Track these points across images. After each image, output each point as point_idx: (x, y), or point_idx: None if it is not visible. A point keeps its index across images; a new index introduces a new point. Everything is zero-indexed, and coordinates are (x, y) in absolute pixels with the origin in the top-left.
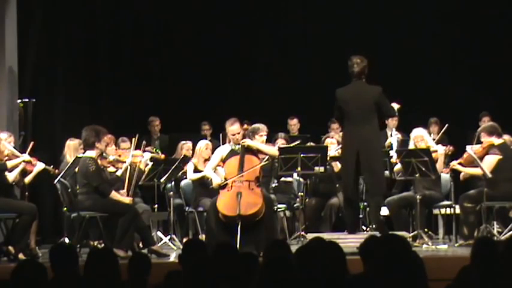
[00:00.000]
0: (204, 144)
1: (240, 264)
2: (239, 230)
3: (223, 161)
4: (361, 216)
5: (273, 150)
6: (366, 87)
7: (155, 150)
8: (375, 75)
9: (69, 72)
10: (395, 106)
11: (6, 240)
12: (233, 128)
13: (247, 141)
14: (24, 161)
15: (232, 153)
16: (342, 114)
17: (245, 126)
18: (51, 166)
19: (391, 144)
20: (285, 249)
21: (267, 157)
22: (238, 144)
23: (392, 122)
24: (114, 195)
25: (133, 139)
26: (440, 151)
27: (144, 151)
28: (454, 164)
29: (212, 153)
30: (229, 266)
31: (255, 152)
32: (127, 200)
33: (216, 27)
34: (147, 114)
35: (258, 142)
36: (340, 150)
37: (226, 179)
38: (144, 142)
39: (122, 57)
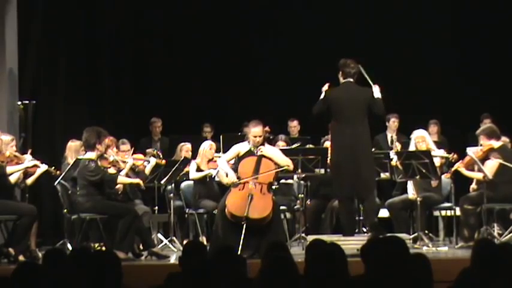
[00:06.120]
0: (208, 145)
1: (240, 267)
2: (243, 233)
3: (240, 159)
4: (361, 218)
5: (287, 162)
6: (359, 88)
7: (156, 153)
8: (375, 76)
9: (69, 74)
10: (377, 89)
11: (6, 242)
12: (255, 130)
13: (264, 151)
14: (27, 167)
15: (249, 153)
16: (330, 114)
17: (266, 128)
18: (53, 167)
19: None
20: (284, 251)
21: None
22: (258, 146)
23: (394, 124)
24: (121, 180)
25: (132, 149)
26: (438, 156)
27: (144, 154)
28: (459, 165)
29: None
30: (229, 269)
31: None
32: (136, 180)
33: (217, 28)
34: (148, 116)
35: (276, 151)
36: None
37: (240, 178)
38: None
39: (123, 58)
